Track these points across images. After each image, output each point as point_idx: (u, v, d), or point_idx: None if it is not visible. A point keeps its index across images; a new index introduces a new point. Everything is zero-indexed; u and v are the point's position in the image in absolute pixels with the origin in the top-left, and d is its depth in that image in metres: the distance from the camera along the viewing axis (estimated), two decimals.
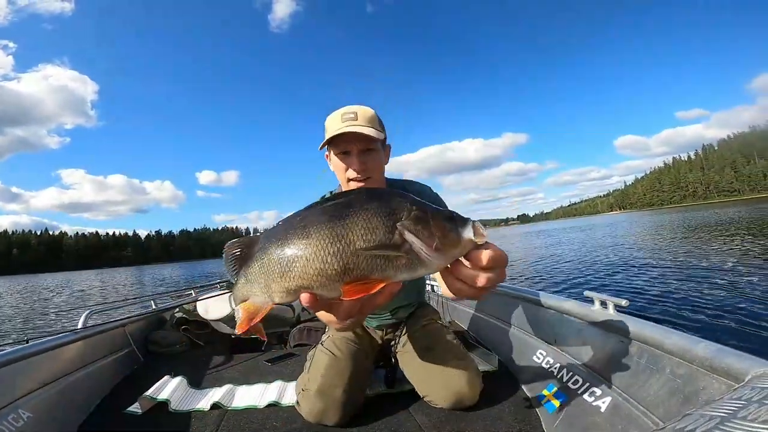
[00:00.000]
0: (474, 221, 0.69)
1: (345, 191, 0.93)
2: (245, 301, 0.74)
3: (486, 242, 0.69)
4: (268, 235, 0.73)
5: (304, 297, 0.69)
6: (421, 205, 0.70)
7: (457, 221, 0.69)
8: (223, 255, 0.77)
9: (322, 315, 0.92)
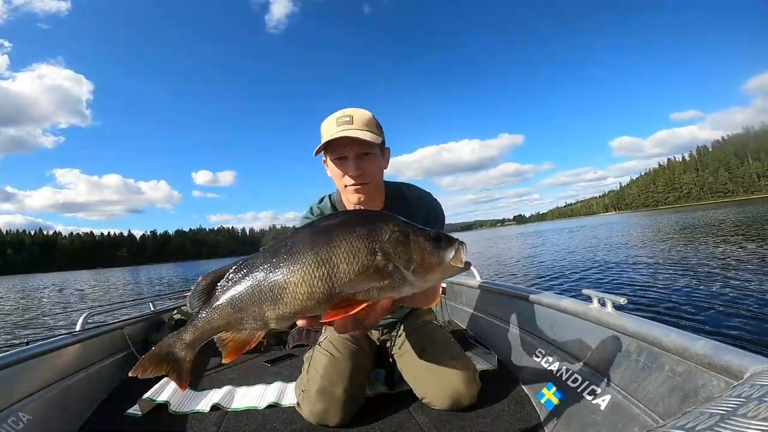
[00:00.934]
0: (460, 244, 0.72)
1: (330, 214, 0.95)
2: (224, 329, 0.75)
3: (467, 263, 0.72)
4: (252, 262, 0.74)
5: (300, 322, 0.72)
6: (403, 226, 0.73)
7: (441, 243, 0.72)
8: (192, 289, 0.78)
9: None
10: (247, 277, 0.72)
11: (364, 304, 0.70)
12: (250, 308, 0.72)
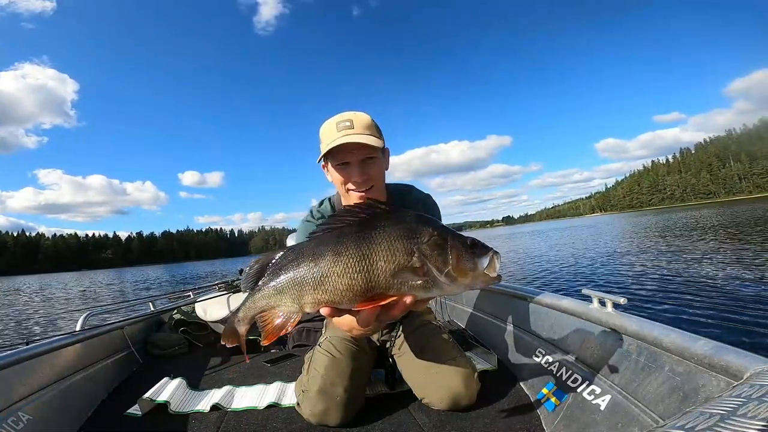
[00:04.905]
0: (494, 254, 0.76)
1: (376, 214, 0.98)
2: (265, 310, 0.81)
3: (499, 275, 0.76)
4: (298, 250, 0.79)
5: (326, 310, 0.76)
6: (443, 231, 0.76)
7: (476, 251, 0.75)
8: (247, 268, 0.85)
9: (341, 323, 0.96)
10: (293, 263, 0.78)
11: (394, 298, 0.74)
12: (291, 291, 0.78)
